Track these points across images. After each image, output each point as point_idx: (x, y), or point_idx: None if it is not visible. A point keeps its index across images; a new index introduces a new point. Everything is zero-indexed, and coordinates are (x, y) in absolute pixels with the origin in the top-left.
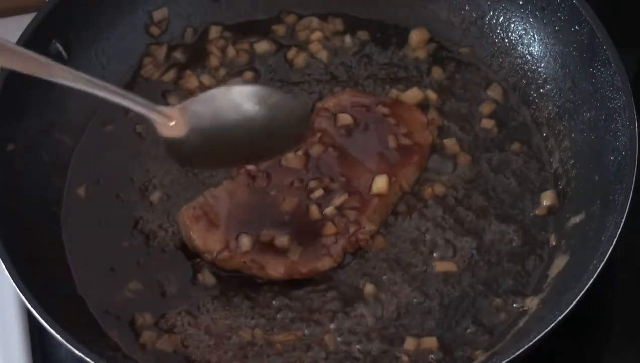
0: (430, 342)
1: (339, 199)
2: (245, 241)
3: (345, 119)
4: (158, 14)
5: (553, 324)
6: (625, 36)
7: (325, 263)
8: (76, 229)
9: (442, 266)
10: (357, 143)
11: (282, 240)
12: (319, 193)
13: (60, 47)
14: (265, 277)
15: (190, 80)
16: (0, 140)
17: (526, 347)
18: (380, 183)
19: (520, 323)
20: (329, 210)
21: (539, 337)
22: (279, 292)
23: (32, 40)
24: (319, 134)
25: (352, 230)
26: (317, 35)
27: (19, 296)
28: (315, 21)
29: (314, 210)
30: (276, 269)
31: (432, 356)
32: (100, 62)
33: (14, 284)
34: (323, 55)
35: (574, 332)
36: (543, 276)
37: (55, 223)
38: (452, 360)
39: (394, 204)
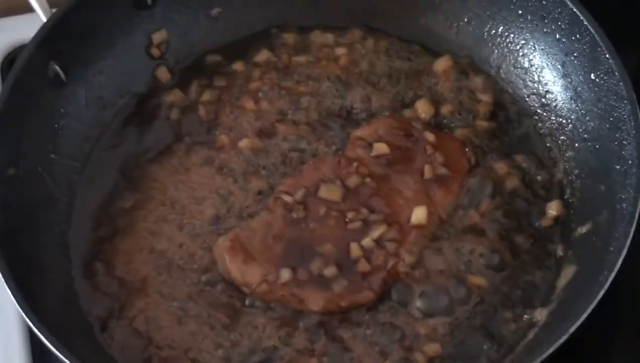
0: (436, 349)
1: (378, 231)
2: (285, 274)
3: (382, 148)
4: (157, 37)
5: (563, 339)
6: (625, 36)
7: (365, 297)
8: (81, 249)
9: (475, 280)
10: (394, 173)
11: (330, 270)
12: (356, 224)
13: (58, 69)
14: (305, 310)
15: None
16: (1, 164)
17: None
18: (420, 214)
19: (530, 335)
20: (366, 242)
21: (550, 351)
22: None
23: (30, 62)
24: (355, 164)
25: (391, 262)
26: (328, 49)
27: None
28: (329, 36)
29: (355, 249)
30: (316, 303)
31: None
32: (98, 81)
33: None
34: (334, 69)
35: (576, 333)
36: (551, 288)
37: (61, 245)
38: None
39: (432, 234)
